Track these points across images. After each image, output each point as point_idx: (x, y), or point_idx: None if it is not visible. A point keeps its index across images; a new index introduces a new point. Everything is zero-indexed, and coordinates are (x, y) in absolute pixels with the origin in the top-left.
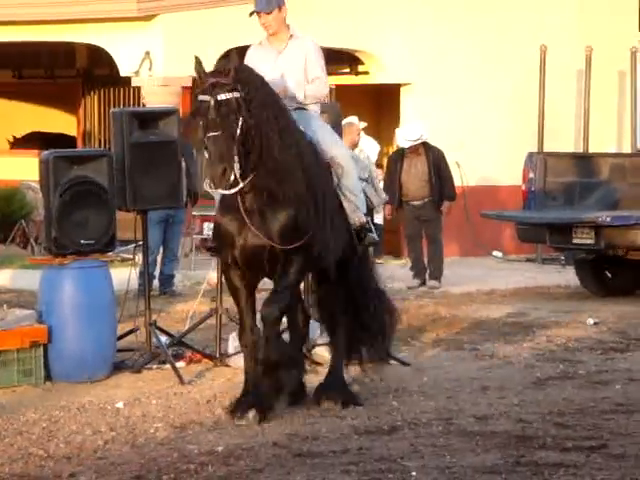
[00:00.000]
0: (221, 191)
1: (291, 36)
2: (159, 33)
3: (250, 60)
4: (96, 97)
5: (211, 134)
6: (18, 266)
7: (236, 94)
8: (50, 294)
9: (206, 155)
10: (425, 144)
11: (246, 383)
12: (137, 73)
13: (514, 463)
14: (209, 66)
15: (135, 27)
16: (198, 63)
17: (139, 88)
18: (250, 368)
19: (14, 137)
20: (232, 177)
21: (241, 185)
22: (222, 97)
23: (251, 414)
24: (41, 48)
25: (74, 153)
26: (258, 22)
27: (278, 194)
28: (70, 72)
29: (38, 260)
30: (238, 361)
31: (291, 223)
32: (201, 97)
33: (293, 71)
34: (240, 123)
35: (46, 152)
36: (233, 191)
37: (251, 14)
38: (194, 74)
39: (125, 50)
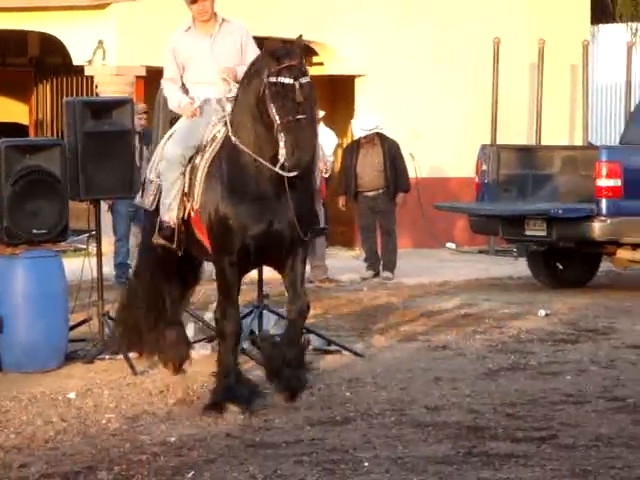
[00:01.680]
0: (286, 174)
1: (223, 20)
2: (112, 22)
3: (180, 45)
4: (48, 86)
5: (299, 117)
6: None
7: (309, 79)
8: (1, 284)
9: (287, 137)
10: (380, 135)
11: (226, 376)
12: (90, 62)
13: (466, 454)
14: (157, 57)
15: (88, 15)
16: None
17: (92, 77)
18: (230, 361)
19: None
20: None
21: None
22: (304, 80)
23: (234, 409)
24: None
25: (26, 142)
26: (190, 9)
27: (310, 180)
28: (22, 60)
29: None
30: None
31: (314, 210)
32: (284, 80)
33: (229, 55)
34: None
35: None
36: (294, 173)
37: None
38: (147, 64)
39: (78, 39)
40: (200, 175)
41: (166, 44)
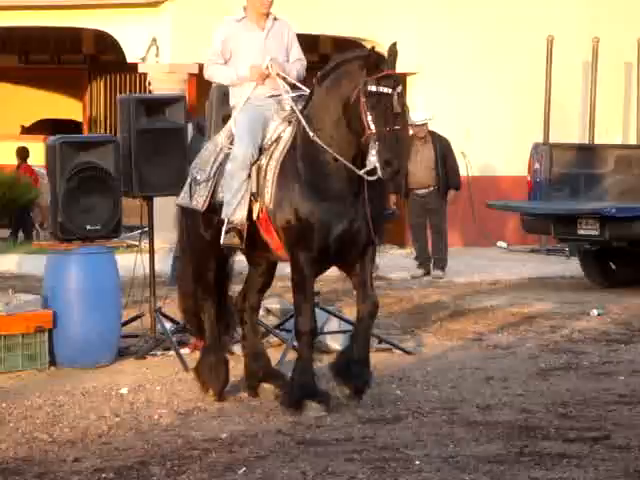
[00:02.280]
0: (369, 177)
1: (275, 17)
2: (166, 20)
3: (232, 34)
4: (102, 83)
5: (396, 127)
6: (23, 251)
7: (401, 88)
8: (55, 279)
9: (382, 147)
10: (432, 133)
11: (305, 373)
12: (144, 59)
13: (517, 453)
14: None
15: (142, 13)
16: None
17: (145, 75)
18: (308, 357)
19: (22, 127)
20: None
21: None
22: (399, 90)
23: (315, 405)
24: (47, 33)
25: (81, 139)
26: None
27: (382, 181)
28: (76, 58)
29: (43, 245)
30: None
31: (383, 210)
32: (383, 89)
33: (279, 52)
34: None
35: (52, 137)
36: (374, 177)
37: None
38: (200, 62)
39: (132, 36)
40: (272, 174)
41: (217, 29)
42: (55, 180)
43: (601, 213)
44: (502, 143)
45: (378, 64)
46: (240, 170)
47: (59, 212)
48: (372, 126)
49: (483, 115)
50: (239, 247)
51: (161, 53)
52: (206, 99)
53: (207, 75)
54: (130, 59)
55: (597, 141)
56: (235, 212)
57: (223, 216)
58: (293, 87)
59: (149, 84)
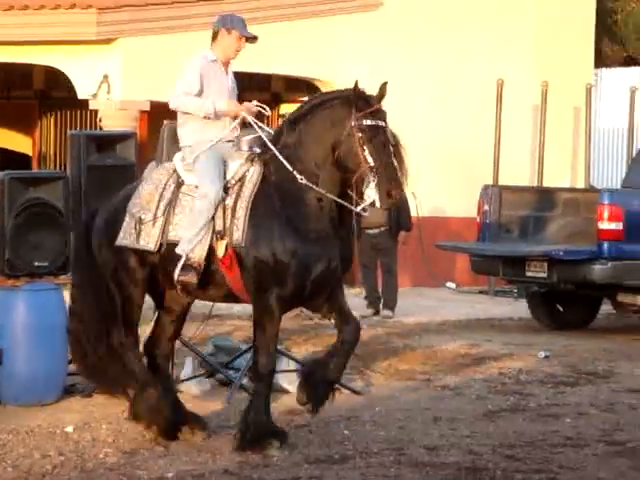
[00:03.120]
0: (364, 213)
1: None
2: (118, 57)
3: (206, 74)
4: (53, 119)
5: (393, 160)
6: None
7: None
8: (2, 316)
9: (381, 179)
10: None
11: (266, 413)
12: (95, 96)
13: None
14: (162, 92)
15: (94, 50)
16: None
17: (96, 111)
18: (269, 398)
19: None
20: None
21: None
22: (387, 124)
23: (276, 444)
24: None
25: (30, 175)
26: (237, 45)
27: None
28: (27, 93)
29: None
30: (190, 387)
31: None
32: (378, 122)
33: (232, 95)
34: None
35: (1, 173)
36: (367, 213)
37: (252, 40)
38: (151, 99)
39: (83, 73)
40: (243, 213)
41: (192, 62)
42: (3, 215)
43: (549, 255)
44: (452, 184)
45: (366, 100)
46: (209, 208)
47: (6, 248)
48: (370, 159)
49: (433, 156)
50: (192, 284)
51: (112, 90)
52: (157, 137)
53: (178, 103)
54: (81, 95)
55: (546, 184)
56: (195, 249)
57: (179, 251)
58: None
59: (100, 120)
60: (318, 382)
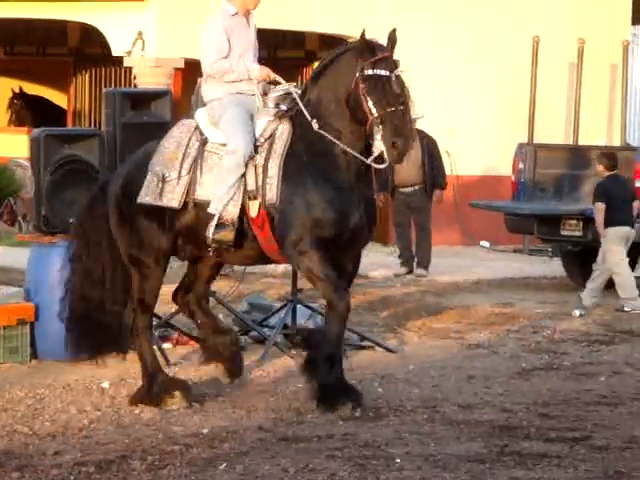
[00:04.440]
0: (378, 165)
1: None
2: (152, 14)
3: (228, 30)
4: (87, 76)
5: (398, 108)
6: (6, 243)
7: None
8: (38, 272)
9: (385, 129)
10: (419, 131)
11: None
12: (129, 53)
13: (498, 452)
14: (196, 49)
15: (128, 7)
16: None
17: (131, 68)
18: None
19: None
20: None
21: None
22: (398, 72)
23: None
24: (33, 25)
25: (65, 132)
26: None
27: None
28: (62, 50)
29: (27, 238)
30: None
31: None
32: (381, 72)
33: (255, 47)
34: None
35: (37, 130)
36: (384, 165)
37: None
38: (185, 56)
39: (118, 30)
40: (275, 171)
41: (213, 21)
42: (39, 172)
43: (584, 214)
44: (487, 143)
45: (372, 49)
46: (238, 165)
47: (43, 205)
48: (373, 110)
49: (468, 114)
50: (229, 242)
51: (147, 47)
52: (191, 94)
53: (213, 71)
54: (115, 53)
55: (581, 142)
56: (227, 208)
57: (212, 210)
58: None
59: (134, 78)
60: (317, 364)
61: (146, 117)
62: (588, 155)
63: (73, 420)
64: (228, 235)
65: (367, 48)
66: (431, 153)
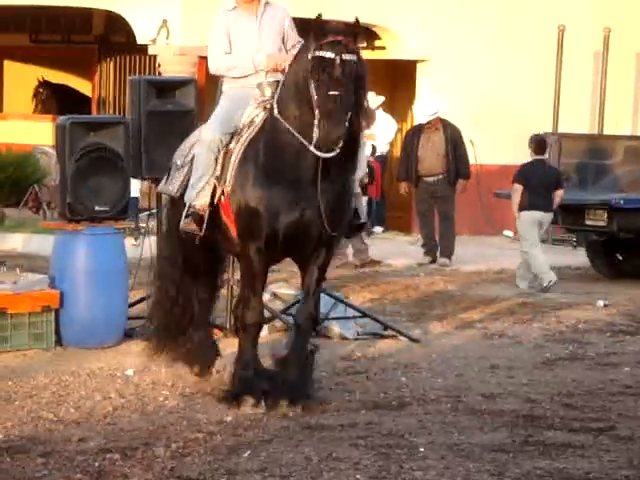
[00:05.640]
0: (322, 154)
1: (267, 2)
2: (177, 2)
3: (225, 25)
4: (112, 64)
5: (333, 92)
6: (30, 231)
7: (356, 57)
8: (63, 260)
9: (320, 112)
10: (442, 120)
11: (245, 368)
12: (154, 41)
13: (522, 442)
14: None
15: None
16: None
17: (155, 57)
18: (250, 352)
19: (39, 81)
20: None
21: (337, 151)
22: (348, 57)
23: (250, 401)
24: (58, 13)
25: (90, 119)
26: None
27: (349, 169)
28: (87, 38)
29: (51, 225)
30: None
31: (349, 206)
32: (326, 54)
33: (274, 39)
34: (354, 87)
35: (62, 117)
36: (331, 155)
37: None
38: None
39: (142, 18)
40: (234, 158)
41: (214, 23)
42: (64, 160)
43: (609, 204)
44: (511, 132)
45: (327, 33)
46: (205, 154)
47: (67, 192)
48: (314, 93)
49: (493, 103)
50: (198, 234)
51: (171, 35)
52: (216, 82)
53: (218, 66)
54: (140, 40)
55: (606, 132)
56: (198, 196)
57: (186, 200)
58: None
59: (159, 66)
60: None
61: (171, 105)
62: (613, 145)
63: (97, 407)
64: (191, 226)
65: (318, 30)
66: (455, 142)
